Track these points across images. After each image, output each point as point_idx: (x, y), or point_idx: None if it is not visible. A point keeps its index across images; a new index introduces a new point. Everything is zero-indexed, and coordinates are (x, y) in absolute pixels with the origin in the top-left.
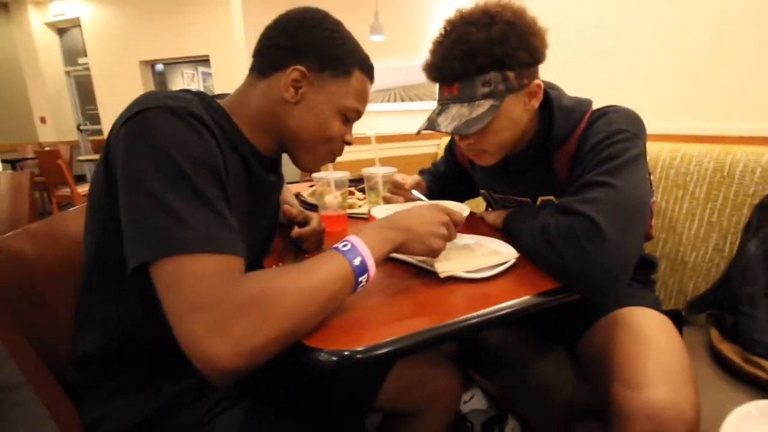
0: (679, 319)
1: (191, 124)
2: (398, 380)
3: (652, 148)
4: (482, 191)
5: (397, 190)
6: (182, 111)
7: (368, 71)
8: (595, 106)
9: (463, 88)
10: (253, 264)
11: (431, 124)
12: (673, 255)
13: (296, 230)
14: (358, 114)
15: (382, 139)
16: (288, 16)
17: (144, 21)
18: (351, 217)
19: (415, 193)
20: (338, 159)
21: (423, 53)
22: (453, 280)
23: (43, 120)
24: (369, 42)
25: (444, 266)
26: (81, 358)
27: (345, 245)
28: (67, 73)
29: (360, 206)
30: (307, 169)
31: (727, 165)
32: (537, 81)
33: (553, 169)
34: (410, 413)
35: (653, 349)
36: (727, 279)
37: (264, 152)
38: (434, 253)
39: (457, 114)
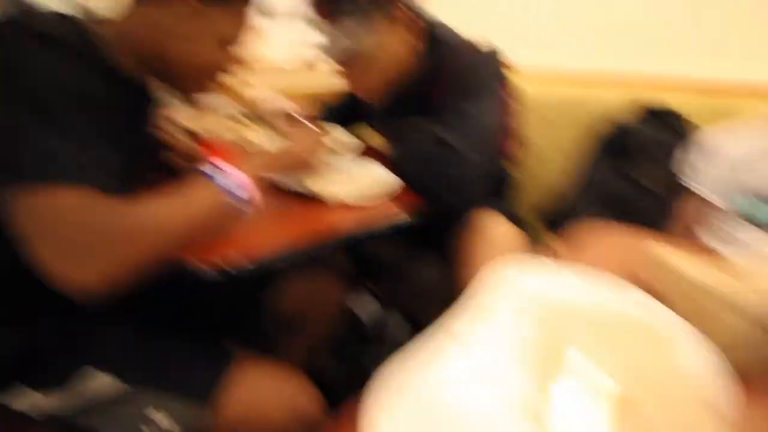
0: (527, 226)
1: (47, 43)
2: (290, 290)
3: (521, 82)
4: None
5: (291, 122)
6: (37, 31)
7: None
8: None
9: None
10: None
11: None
12: (539, 180)
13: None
14: (239, 41)
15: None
16: None
17: None
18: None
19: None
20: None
21: None
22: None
23: None
24: None
25: (333, 192)
26: None
27: (215, 170)
28: None
29: (253, 138)
30: (189, 96)
31: (587, 104)
32: (415, 17)
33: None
34: (302, 317)
35: (491, 246)
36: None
37: (134, 74)
38: (313, 170)
39: (335, 40)
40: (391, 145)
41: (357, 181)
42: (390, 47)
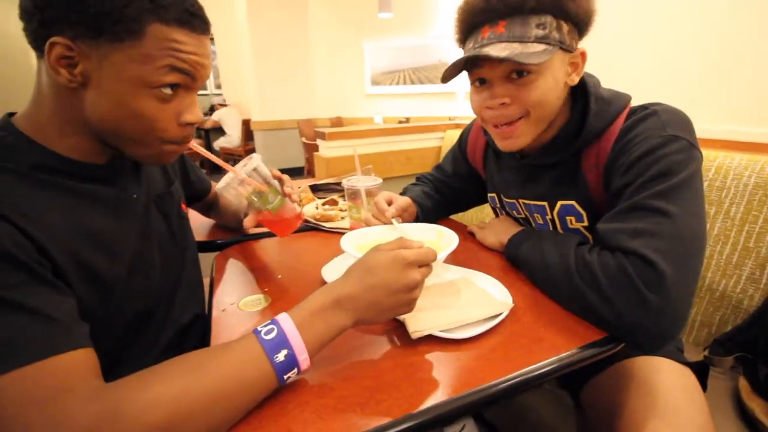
0: (703, 370)
1: None
2: None
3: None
4: (491, 195)
5: (380, 216)
6: None
7: (176, 18)
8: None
9: (512, 25)
10: (171, 294)
11: (476, 53)
12: (700, 281)
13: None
14: (187, 78)
15: (383, 131)
16: None
17: None
18: (331, 231)
19: (396, 225)
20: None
21: (435, 31)
22: (430, 340)
23: None
24: (377, 20)
25: (416, 323)
26: None
27: (270, 331)
28: None
29: (341, 219)
30: (151, 164)
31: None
32: (582, 49)
33: (581, 169)
34: None
35: (668, 415)
36: (762, 316)
37: (94, 159)
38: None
39: (507, 47)
40: (525, 235)
41: (453, 303)
42: (558, 76)
